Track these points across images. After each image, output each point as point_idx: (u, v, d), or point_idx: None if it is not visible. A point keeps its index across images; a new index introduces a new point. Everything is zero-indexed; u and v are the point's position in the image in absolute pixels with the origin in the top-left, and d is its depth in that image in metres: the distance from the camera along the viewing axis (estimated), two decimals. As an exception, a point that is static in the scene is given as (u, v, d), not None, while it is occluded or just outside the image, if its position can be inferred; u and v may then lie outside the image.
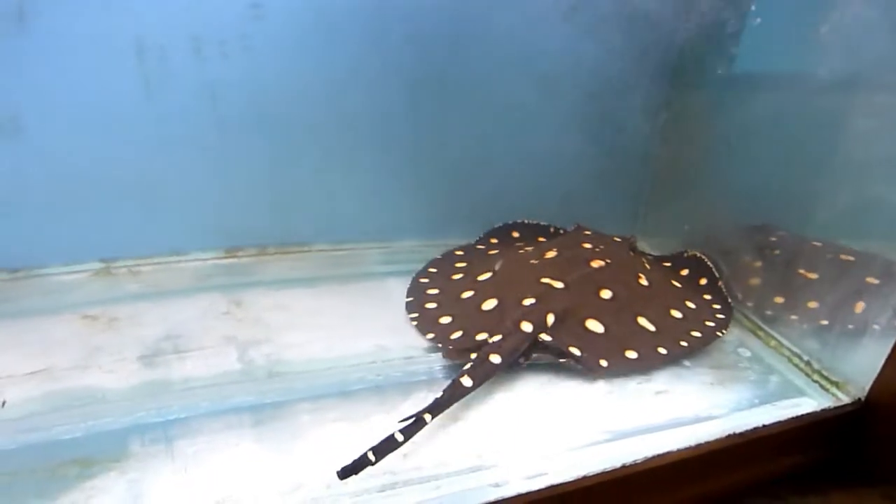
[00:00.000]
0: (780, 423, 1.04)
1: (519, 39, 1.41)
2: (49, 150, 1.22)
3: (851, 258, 1.28)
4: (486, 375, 1.01)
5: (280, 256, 1.46)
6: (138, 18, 1.18)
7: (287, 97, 1.31)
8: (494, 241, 1.53)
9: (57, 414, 0.95)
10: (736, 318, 1.31)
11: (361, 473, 0.82)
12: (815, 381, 1.15)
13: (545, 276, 1.21)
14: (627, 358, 1.12)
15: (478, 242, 1.53)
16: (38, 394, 0.98)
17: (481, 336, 1.10)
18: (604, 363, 1.09)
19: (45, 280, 1.29)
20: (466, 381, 0.98)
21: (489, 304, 1.19)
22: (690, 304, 1.28)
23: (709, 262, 1.41)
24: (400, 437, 0.86)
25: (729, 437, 0.99)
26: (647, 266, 1.36)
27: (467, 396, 0.98)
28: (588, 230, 1.44)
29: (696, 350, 1.18)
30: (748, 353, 1.24)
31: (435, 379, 1.08)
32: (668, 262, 1.47)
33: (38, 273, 1.30)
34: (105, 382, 1.02)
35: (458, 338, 1.13)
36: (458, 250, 1.48)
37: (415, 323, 1.21)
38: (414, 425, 0.89)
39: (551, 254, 1.30)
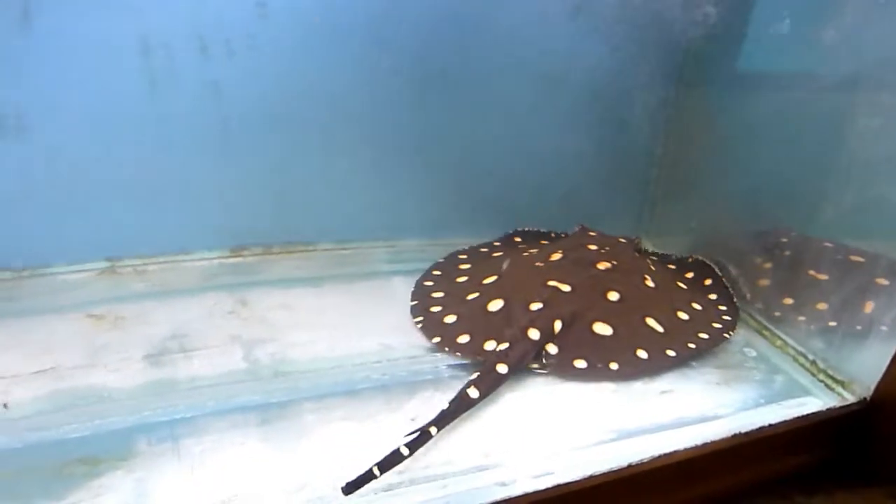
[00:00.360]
0: (785, 422, 1.03)
1: (523, 39, 1.41)
2: (54, 149, 1.22)
3: (861, 259, 1.27)
4: (492, 386, 1.01)
5: (285, 256, 1.47)
6: (143, 17, 1.18)
7: (292, 96, 1.31)
8: (497, 244, 1.53)
9: (63, 413, 0.95)
10: (741, 317, 1.31)
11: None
12: (821, 381, 1.15)
13: (552, 279, 1.21)
14: (638, 357, 1.11)
15: (481, 246, 1.52)
16: (44, 393, 0.98)
17: (489, 345, 1.10)
18: (614, 366, 1.09)
19: (50, 279, 1.29)
20: (473, 393, 0.98)
21: (495, 305, 1.19)
22: (696, 306, 1.28)
23: (713, 266, 1.41)
24: (405, 452, 0.86)
25: (734, 436, 0.99)
26: (653, 267, 1.36)
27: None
28: (592, 231, 1.43)
29: (704, 352, 1.18)
30: (754, 353, 1.23)
31: (440, 378, 1.08)
32: (672, 264, 1.47)
33: (44, 272, 1.30)
34: (111, 381, 1.02)
35: (465, 343, 1.13)
36: (462, 253, 1.47)
37: (420, 326, 1.20)
38: (419, 439, 0.89)
39: (556, 256, 1.30)
